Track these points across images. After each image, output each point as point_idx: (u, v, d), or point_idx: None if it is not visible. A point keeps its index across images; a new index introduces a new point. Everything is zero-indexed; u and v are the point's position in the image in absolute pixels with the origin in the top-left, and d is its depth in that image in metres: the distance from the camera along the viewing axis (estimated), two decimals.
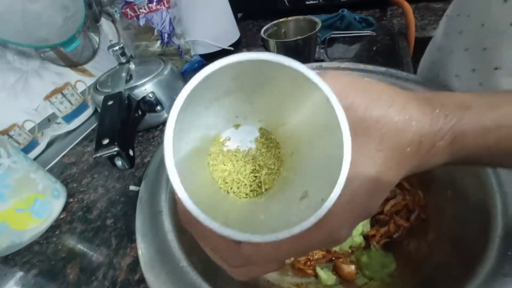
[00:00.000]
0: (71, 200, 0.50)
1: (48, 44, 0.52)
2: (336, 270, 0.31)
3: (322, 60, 0.69)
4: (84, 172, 0.56)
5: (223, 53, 0.85)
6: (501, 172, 0.25)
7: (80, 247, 0.42)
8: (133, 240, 0.41)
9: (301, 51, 0.61)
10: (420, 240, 0.30)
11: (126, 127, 0.45)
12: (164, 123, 0.63)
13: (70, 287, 0.37)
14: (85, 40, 0.62)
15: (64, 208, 0.48)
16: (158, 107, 0.58)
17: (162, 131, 0.61)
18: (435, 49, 0.42)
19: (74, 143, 0.64)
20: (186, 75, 0.81)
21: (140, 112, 0.54)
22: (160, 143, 0.58)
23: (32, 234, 0.43)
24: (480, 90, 0.32)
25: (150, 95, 0.57)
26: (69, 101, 0.62)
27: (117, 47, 0.56)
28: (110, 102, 0.45)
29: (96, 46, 0.66)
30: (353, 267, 0.30)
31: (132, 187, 0.49)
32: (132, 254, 0.39)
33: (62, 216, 0.47)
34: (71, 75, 0.65)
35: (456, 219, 0.28)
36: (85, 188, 0.52)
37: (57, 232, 0.45)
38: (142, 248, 0.26)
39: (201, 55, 0.85)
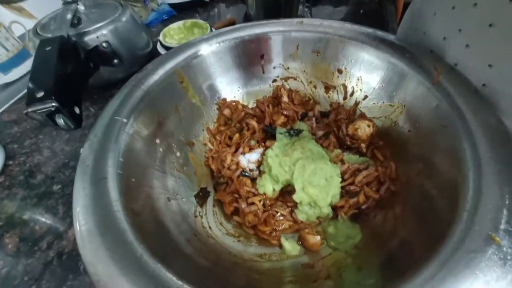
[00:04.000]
0: (10, 162, 0.43)
1: None
2: (301, 241, 0.30)
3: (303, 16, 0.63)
4: (27, 132, 0.48)
5: (196, 4, 0.75)
6: (476, 139, 0.24)
7: (21, 214, 0.37)
8: None
9: (282, 9, 0.54)
10: (387, 213, 0.30)
11: (71, 80, 0.38)
12: (123, 79, 0.55)
13: (8, 258, 0.33)
14: None
15: (2, 172, 0.42)
16: (115, 61, 0.50)
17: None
18: (414, 14, 0.39)
19: (16, 98, 0.55)
20: (151, 27, 0.71)
21: (92, 65, 0.47)
22: None
23: None
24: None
25: (104, 44, 0.48)
26: (4, 47, 0.51)
27: None
28: (48, 48, 0.37)
29: None
30: (318, 237, 0.29)
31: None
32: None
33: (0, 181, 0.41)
34: (3, 14, 0.54)
35: (425, 194, 0.27)
36: (28, 150, 0.45)
37: None
38: (80, 219, 0.23)
39: (170, 5, 0.74)
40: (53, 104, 0.31)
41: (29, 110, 0.31)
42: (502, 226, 0.19)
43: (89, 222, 0.22)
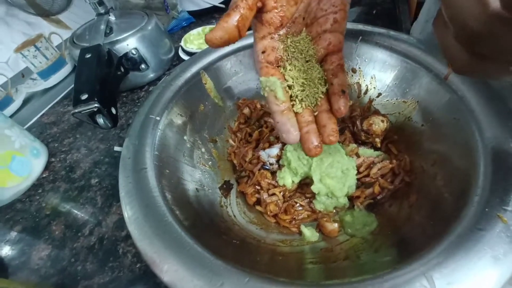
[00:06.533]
0: (52, 159, 0.48)
1: None
2: (319, 228, 0.32)
3: None
4: (65, 132, 0.53)
5: (214, 10, 0.79)
6: (486, 130, 0.26)
7: (65, 205, 0.41)
8: (119, 199, 0.41)
9: None
10: (402, 202, 0.31)
11: (107, 84, 0.42)
12: (149, 83, 0.59)
13: (56, 242, 0.37)
14: None
15: (46, 168, 0.47)
16: (143, 66, 0.55)
17: (147, 92, 0.58)
18: (428, 12, 0.40)
19: (53, 102, 0.60)
20: (172, 34, 0.76)
21: (122, 70, 0.51)
22: None
23: (13, 192, 0.42)
24: None
25: (133, 51, 0.53)
26: (44, 55, 0.57)
27: None
28: (88, 55, 0.41)
29: None
30: (336, 225, 0.31)
31: (117, 148, 0.47)
32: (118, 212, 0.39)
33: (44, 175, 0.46)
34: (43, 26, 0.59)
35: (439, 183, 0.29)
36: (67, 148, 0.50)
37: (40, 191, 0.44)
38: (126, 203, 0.26)
39: (189, 12, 0.79)
40: (96, 105, 0.35)
41: (76, 110, 0.35)
42: (509, 208, 0.20)
43: (134, 205, 0.26)
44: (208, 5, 0.78)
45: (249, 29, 0.24)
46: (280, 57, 0.25)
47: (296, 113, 0.25)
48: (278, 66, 0.25)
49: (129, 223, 0.24)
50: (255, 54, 0.25)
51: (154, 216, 0.25)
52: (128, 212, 0.25)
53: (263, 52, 0.24)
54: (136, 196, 0.26)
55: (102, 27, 0.50)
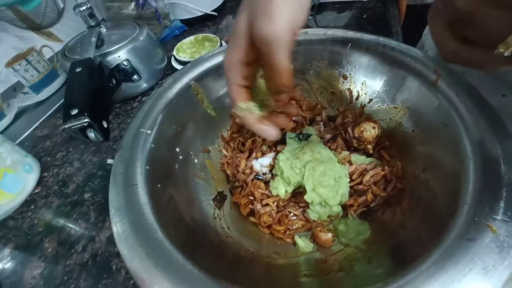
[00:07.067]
0: (45, 174, 0.48)
1: (3, 1, 0.46)
2: (314, 238, 0.32)
3: (309, 27, 0.65)
4: (58, 146, 0.53)
5: (206, 18, 0.79)
6: (474, 135, 0.26)
7: (58, 221, 0.41)
8: None
9: None
10: (395, 209, 0.31)
11: (99, 97, 0.42)
12: (142, 93, 0.59)
13: (49, 260, 0.36)
14: None
15: (39, 183, 0.47)
16: (135, 76, 0.55)
17: (140, 102, 0.58)
18: None
19: (46, 115, 0.60)
20: (165, 43, 0.76)
21: (114, 82, 0.51)
22: None
23: (5, 210, 0.42)
24: None
25: (125, 62, 0.52)
26: (36, 69, 0.57)
27: (84, 7, 0.50)
28: (79, 69, 0.41)
29: (62, 6, 0.59)
30: (330, 234, 0.31)
31: (110, 161, 0.47)
32: (111, 228, 0.38)
33: (36, 191, 0.46)
34: (35, 40, 0.59)
35: (430, 189, 0.29)
36: (60, 162, 0.50)
37: (32, 207, 0.43)
38: (116, 221, 0.26)
39: (181, 21, 0.79)
40: (86, 120, 0.35)
41: (66, 126, 0.35)
42: (499, 217, 0.20)
43: (125, 223, 0.25)
44: (200, 13, 0.78)
45: None
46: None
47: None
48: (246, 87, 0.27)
49: (119, 242, 0.24)
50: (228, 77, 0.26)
51: (144, 234, 0.24)
52: (118, 229, 0.25)
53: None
54: (126, 213, 0.26)
55: (93, 39, 0.50)
